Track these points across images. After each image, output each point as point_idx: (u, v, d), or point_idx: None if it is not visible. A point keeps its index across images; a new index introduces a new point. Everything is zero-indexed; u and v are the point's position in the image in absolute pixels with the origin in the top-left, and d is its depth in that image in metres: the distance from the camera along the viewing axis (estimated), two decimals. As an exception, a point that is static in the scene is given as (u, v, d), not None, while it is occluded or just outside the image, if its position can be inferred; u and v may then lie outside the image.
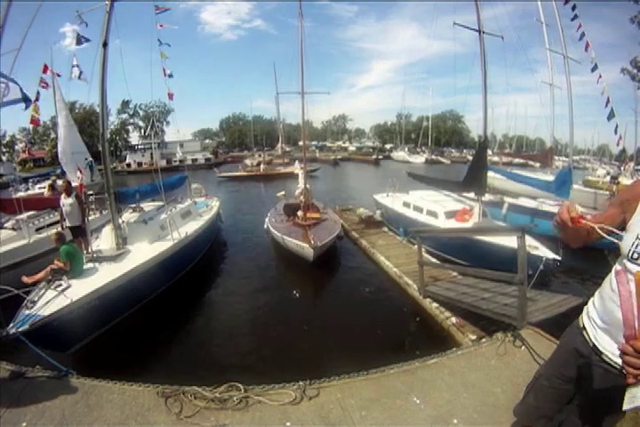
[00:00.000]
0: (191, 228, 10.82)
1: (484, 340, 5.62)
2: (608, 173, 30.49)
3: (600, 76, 16.14)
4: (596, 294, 1.81)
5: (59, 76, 14.74)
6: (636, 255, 1.52)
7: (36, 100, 10.03)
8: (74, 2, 9.51)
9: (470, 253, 9.70)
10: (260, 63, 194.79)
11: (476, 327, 6.69)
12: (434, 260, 10.15)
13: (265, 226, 13.46)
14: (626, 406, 1.38)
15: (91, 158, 14.04)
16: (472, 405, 3.96)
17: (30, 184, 23.13)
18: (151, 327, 7.25)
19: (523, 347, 5.00)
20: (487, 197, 14.19)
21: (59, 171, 18.37)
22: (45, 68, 11.15)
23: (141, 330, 7.10)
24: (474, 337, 6.30)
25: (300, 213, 13.27)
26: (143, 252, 8.55)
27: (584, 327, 1.77)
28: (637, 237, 1.51)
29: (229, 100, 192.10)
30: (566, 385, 1.90)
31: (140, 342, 6.71)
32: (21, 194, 18.18)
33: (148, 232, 9.47)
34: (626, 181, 24.15)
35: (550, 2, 18.09)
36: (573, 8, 16.62)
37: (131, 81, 10.52)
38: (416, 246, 8.88)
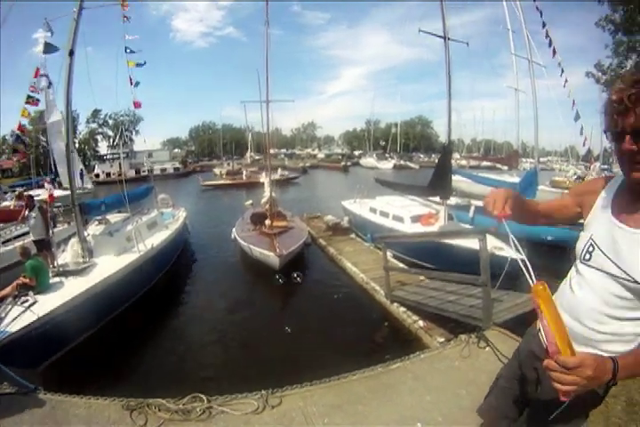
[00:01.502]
0: (157, 239, 10.65)
1: (450, 342, 5.57)
2: (575, 174, 31.22)
3: (566, 80, 16.54)
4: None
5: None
6: (587, 256, 1.48)
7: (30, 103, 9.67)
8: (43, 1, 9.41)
9: (437, 256, 9.74)
10: (231, 71, 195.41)
11: (444, 330, 6.70)
12: (401, 264, 10.15)
13: (232, 235, 13.32)
14: (559, 412, 1.41)
15: (82, 166, 13.75)
16: (436, 408, 3.91)
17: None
18: (120, 340, 7.07)
19: (487, 348, 4.99)
20: (454, 200, 14.39)
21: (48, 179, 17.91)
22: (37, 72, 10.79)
23: (110, 343, 6.91)
24: (442, 339, 6.28)
25: (267, 221, 13.16)
26: (109, 264, 8.37)
27: (540, 329, 1.70)
28: (591, 238, 1.48)
29: (200, 108, 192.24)
30: (524, 387, 1.87)
31: (108, 356, 6.54)
32: (6, 203, 17.87)
33: (114, 244, 9.27)
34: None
35: (517, 9, 18.62)
36: (541, 15, 17.11)
37: (101, 89, 10.30)
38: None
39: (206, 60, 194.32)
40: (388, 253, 9.55)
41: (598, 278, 1.44)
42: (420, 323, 7.13)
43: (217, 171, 51.09)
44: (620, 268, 1.35)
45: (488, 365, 4.53)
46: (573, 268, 1.61)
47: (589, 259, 1.48)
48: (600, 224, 1.49)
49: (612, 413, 3.56)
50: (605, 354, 1.29)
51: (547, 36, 17.15)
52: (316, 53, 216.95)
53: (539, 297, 1.20)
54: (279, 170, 42.23)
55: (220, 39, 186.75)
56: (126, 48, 10.54)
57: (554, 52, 17.31)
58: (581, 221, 1.66)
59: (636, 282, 1.31)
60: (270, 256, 10.16)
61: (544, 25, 17.35)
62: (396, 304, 7.98)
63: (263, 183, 16.32)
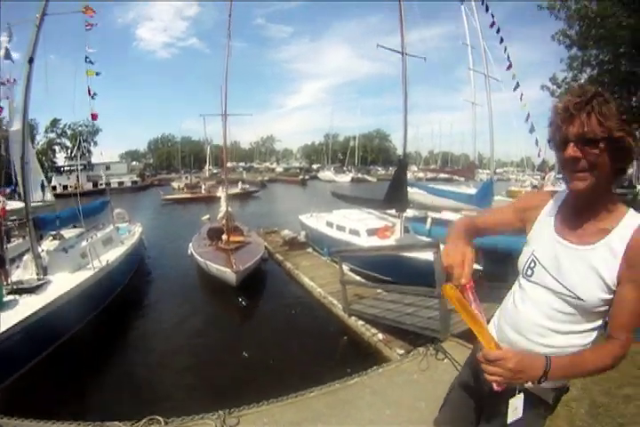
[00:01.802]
0: (113, 255, 10.39)
1: (408, 355, 5.59)
2: (531, 183, 32.14)
3: (522, 94, 17.14)
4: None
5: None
6: (530, 272, 1.51)
7: None
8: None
9: (395, 268, 9.78)
10: (193, 83, 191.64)
11: (404, 342, 6.69)
12: (358, 278, 10.20)
13: (189, 251, 13.11)
14: (509, 420, 1.41)
15: (42, 177, 13.22)
16: (396, 422, 3.93)
17: None
18: (76, 360, 6.81)
19: (445, 359, 5.04)
20: (412, 212, 14.56)
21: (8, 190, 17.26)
22: None
23: (67, 364, 6.66)
24: (402, 351, 6.29)
25: (223, 236, 13.03)
26: (64, 282, 8.13)
27: None
28: (533, 253, 1.50)
29: (160, 120, 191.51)
30: (476, 394, 1.86)
31: (63, 377, 6.28)
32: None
33: (69, 261, 9.01)
34: (549, 188, 25.69)
35: (476, 24, 19.23)
36: (498, 31, 17.77)
37: (63, 98, 9.98)
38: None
39: (168, 70, 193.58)
40: (346, 267, 9.61)
41: (541, 294, 1.47)
42: (380, 336, 7.11)
43: (175, 184, 50.47)
44: (562, 284, 1.39)
45: (446, 376, 4.54)
46: (516, 282, 1.63)
47: (531, 274, 1.50)
48: (542, 240, 1.51)
49: (576, 416, 3.67)
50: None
51: (505, 51, 17.83)
52: (279, 67, 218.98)
53: (448, 298, 1.23)
54: (240, 184, 42.06)
55: (182, 50, 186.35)
56: (86, 57, 10.27)
57: (509, 66, 17.99)
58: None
59: (578, 298, 1.35)
60: (227, 272, 10.05)
61: (502, 40, 18.08)
62: (354, 318, 7.95)
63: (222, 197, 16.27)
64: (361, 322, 7.74)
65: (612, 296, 1.32)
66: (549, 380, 1.28)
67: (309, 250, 14.44)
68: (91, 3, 9.66)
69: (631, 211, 1.37)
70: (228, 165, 39.39)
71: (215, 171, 64.16)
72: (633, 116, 17.95)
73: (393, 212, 13.04)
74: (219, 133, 14.93)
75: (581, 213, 1.41)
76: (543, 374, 1.24)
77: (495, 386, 1.26)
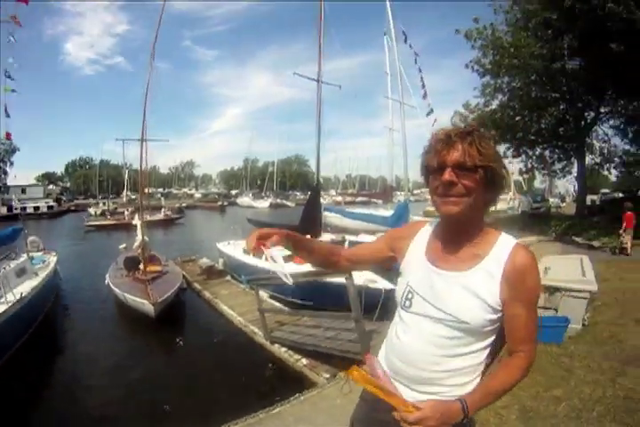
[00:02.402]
0: (28, 287, 9.65)
1: (333, 379, 5.51)
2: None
3: (435, 120, 18.03)
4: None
5: None
6: (408, 303, 1.47)
7: None
8: None
9: (314, 293, 9.69)
10: (115, 103, 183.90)
11: (329, 366, 6.55)
12: (278, 304, 10.11)
13: (106, 282, 12.40)
14: None
15: None
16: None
17: None
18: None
19: (367, 382, 4.86)
20: (329, 236, 14.59)
21: None
22: None
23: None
24: (328, 375, 6.18)
25: (140, 266, 12.50)
26: None
27: None
28: (408, 284, 1.48)
29: (81, 140, 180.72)
30: None
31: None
32: None
33: None
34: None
35: (395, 55, 20.16)
36: (415, 61, 18.69)
37: None
38: (260, 293, 8.75)
39: (91, 89, 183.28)
40: (265, 294, 9.63)
41: (424, 324, 1.43)
42: (304, 361, 7.02)
43: (92, 210, 47.66)
44: (443, 311, 1.37)
45: (369, 398, 4.42)
46: (396, 315, 1.59)
47: (410, 306, 1.47)
48: (416, 269, 1.50)
49: (507, 424, 3.68)
50: (450, 389, 1.38)
51: (421, 80, 18.83)
52: (203, 90, 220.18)
53: (355, 381, 1.30)
54: (162, 210, 41.33)
55: (107, 68, 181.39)
56: (6, 72, 9.50)
57: (425, 95, 18.96)
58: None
59: (463, 322, 1.34)
60: (145, 304, 9.63)
61: (420, 70, 19.07)
62: (277, 345, 7.82)
63: (148, 223, 15.68)
64: (284, 349, 7.62)
65: (497, 316, 1.35)
66: (470, 416, 1.29)
67: (228, 278, 14.12)
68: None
69: (503, 235, 1.42)
70: (147, 190, 38.08)
71: (133, 196, 62.31)
72: (543, 137, 19.33)
73: (309, 236, 12.99)
74: (138, 157, 14.30)
75: (454, 240, 1.42)
76: (464, 417, 1.26)
77: None
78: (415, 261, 1.50)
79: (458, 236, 1.41)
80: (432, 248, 1.48)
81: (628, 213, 12.02)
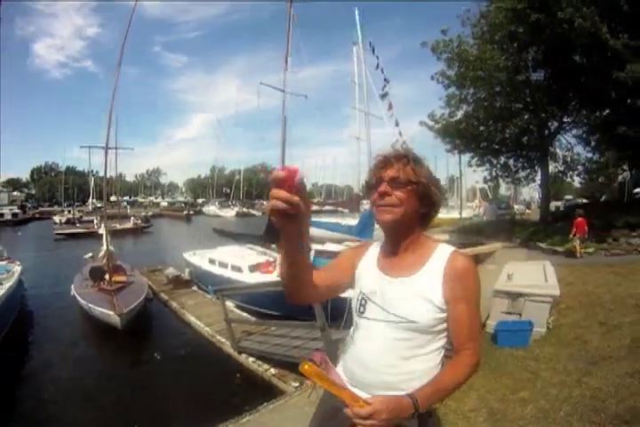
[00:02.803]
0: None
1: (301, 388, 5.49)
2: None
3: (400, 132, 18.30)
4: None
5: None
6: (362, 309, 1.59)
7: None
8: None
9: (281, 302, 9.53)
10: (83, 108, 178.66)
11: (298, 374, 6.41)
12: (245, 314, 10.10)
13: (71, 293, 12.18)
14: None
15: None
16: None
17: None
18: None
19: (334, 390, 4.85)
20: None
21: None
22: None
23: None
24: (296, 384, 6.25)
25: (106, 276, 12.24)
26: None
27: None
28: (362, 292, 1.60)
29: (47, 146, 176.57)
30: None
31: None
32: None
33: None
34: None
35: (363, 67, 20.48)
36: (382, 71, 18.97)
37: None
38: (226, 303, 8.72)
39: (59, 92, 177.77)
40: (232, 304, 9.68)
41: (377, 328, 1.54)
42: (272, 371, 7.07)
43: (57, 219, 46.87)
44: (394, 314, 1.49)
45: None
46: (354, 321, 1.70)
47: (364, 311, 1.59)
48: (368, 279, 1.62)
49: (475, 426, 3.71)
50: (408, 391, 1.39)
51: (383, 89, 19.09)
52: (171, 97, 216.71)
53: (307, 375, 1.30)
54: (132, 218, 40.83)
55: (76, 71, 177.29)
56: None
57: (390, 106, 19.22)
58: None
59: (412, 322, 1.46)
60: (111, 315, 9.48)
61: (385, 81, 19.33)
62: (244, 355, 7.83)
63: (118, 232, 15.36)
64: (252, 359, 7.67)
65: (443, 315, 1.47)
66: (421, 411, 1.34)
67: (194, 288, 14.06)
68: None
69: (441, 243, 1.61)
70: (113, 198, 37.48)
71: (99, 205, 61.14)
72: (507, 146, 19.71)
73: (274, 246, 13.01)
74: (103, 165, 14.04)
75: (399, 250, 1.58)
76: (415, 411, 1.31)
77: None
78: (368, 272, 1.64)
79: (401, 246, 1.57)
80: (381, 260, 1.63)
81: (579, 219, 12.42)
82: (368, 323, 1.57)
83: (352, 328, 1.72)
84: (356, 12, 21.47)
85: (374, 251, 1.70)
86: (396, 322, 1.48)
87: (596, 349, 5.05)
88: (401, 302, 1.49)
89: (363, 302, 1.59)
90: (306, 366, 1.29)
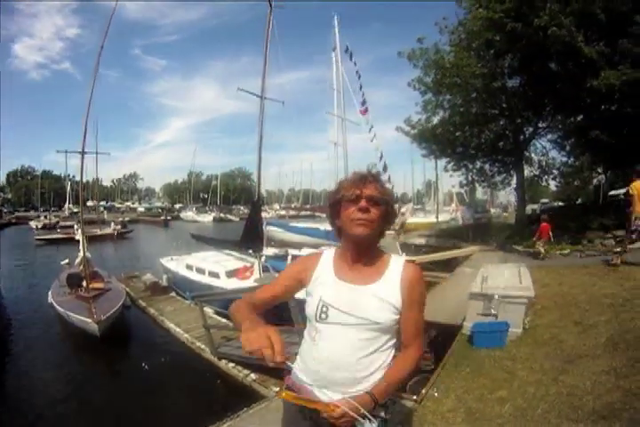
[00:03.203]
0: None
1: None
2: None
3: (374, 136, 18.44)
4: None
5: None
6: (324, 316, 1.72)
7: None
8: None
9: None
10: (60, 111, 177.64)
11: (278, 379, 6.50)
12: (224, 320, 9.96)
13: (48, 300, 11.98)
14: None
15: None
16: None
17: None
18: None
19: (311, 393, 4.86)
20: (272, 250, 14.61)
21: None
22: None
23: None
24: (277, 389, 6.25)
25: (83, 283, 12.03)
26: None
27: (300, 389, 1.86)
28: (321, 300, 1.73)
29: (24, 149, 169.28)
30: None
31: None
32: None
33: None
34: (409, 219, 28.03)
35: (339, 72, 20.65)
36: (359, 77, 19.12)
37: None
38: (205, 309, 8.66)
39: (37, 94, 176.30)
40: (210, 310, 9.63)
41: (342, 331, 1.70)
42: (253, 376, 7.08)
43: (33, 224, 46.42)
44: (358, 317, 1.68)
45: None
46: (310, 328, 1.84)
47: (326, 317, 1.73)
48: (327, 287, 1.77)
49: (453, 426, 3.78)
50: (372, 384, 1.68)
51: (362, 96, 19.24)
52: (149, 101, 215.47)
53: (291, 400, 1.61)
54: (112, 224, 40.30)
55: (54, 73, 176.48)
56: None
57: (366, 111, 19.37)
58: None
59: (375, 323, 1.67)
60: (89, 323, 9.35)
61: (361, 87, 19.46)
62: (224, 361, 7.82)
63: (98, 237, 15.07)
64: (232, 364, 7.68)
65: (398, 316, 1.70)
66: (380, 402, 1.66)
67: (172, 294, 13.90)
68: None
69: (393, 255, 1.84)
70: (89, 203, 37.01)
71: (75, 210, 60.08)
72: (483, 151, 19.95)
73: (251, 252, 13.04)
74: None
75: (360, 262, 1.78)
76: (375, 404, 1.62)
77: None
78: (325, 281, 1.79)
79: (362, 258, 1.78)
80: (340, 269, 1.80)
81: (543, 224, 12.95)
82: (331, 327, 1.72)
83: (306, 334, 1.88)
84: (335, 18, 21.64)
85: (328, 260, 1.86)
86: (361, 324, 1.68)
87: (572, 348, 5.13)
88: (366, 307, 1.68)
89: (324, 308, 1.73)
90: (283, 394, 1.62)
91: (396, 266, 1.77)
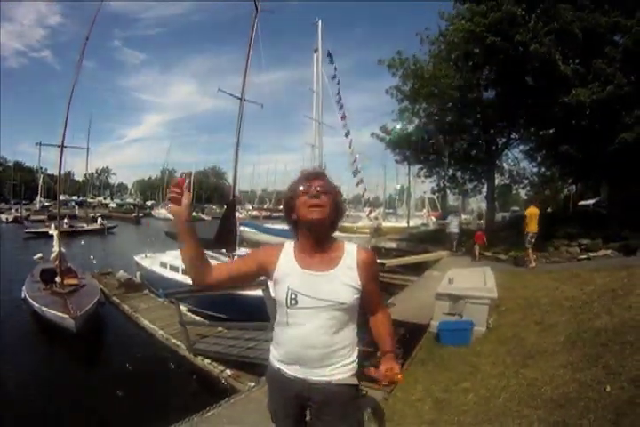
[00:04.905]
0: None
1: (259, 384, 5.57)
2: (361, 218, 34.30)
3: (351, 141, 18.69)
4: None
5: None
6: (294, 302, 1.90)
7: None
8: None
9: (231, 306, 9.82)
10: (35, 101, 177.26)
11: (253, 375, 6.75)
12: (198, 318, 10.14)
13: (22, 295, 11.96)
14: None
15: None
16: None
17: None
18: None
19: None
20: (245, 250, 14.66)
21: None
22: None
23: None
24: (252, 384, 6.27)
25: (57, 279, 12.05)
26: None
27: (279, 369, 2.05)
28: (289, 288, 1.91)
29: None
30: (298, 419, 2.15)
31: None
32: None
33: None
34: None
35: (319, 77, 20.93)
36: (338, 82, 19.35)
37: None
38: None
39: (13, 83, 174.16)
40: (184, 308, 9.62)
41: (312, 313, 1.90)
42: (228, 371, 7.17)
43: (3, 217, 46.03)
44: (325, 299, 1.87)
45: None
46: (281, 313, 2.01)
47: (296, 303, 1.91)
48: (293, 276, 1.94)
49: (422, 412, 4.04)
50: (342, 358, 1.94)
51: (339, 100, 19.52)
52: (124, 94, 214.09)
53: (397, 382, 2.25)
54: (99, 219, 40.72)
55: (33, 62, 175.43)
56: None
57: (344, 117, 19.64)
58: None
59: (341, 303, 1.88)
60: (65, 319, 9.34)
61: (338, 91, 19.74)
62: (200, 357, 7.90)
63: (85, 232, 14.79)
64: (207, 360, 7.74)
65: (359, 295, 1.93)
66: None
67: (146, 291, 13.86)
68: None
69: (346, 242, 2.05)
70: (61, 197, 36.64)
71: (47, 203, 58.64)
72: (455, 159, 20.34)
73: (224, 251, 13.15)
74: (53, 162, 13.54)
75: (318, 250, 1.96)
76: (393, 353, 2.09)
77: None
78: (289, 270, 1.96)
79: (320, 246, 1.95)
80: (302, 260, 1.97)
81: (478, 233, 15.12)
82: (301, 311, 1.91)
83: (277, 320, 2.06)
84: (319, 22, 21.90)
85: (289, 252, 2.02)
86: (328, 306, 1.87)
87: (533, 345, 5.46)
88: (331, 291, 1.88)
89: (293, 295, 1.91)
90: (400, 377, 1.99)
91: (351, 251, 1.98)
